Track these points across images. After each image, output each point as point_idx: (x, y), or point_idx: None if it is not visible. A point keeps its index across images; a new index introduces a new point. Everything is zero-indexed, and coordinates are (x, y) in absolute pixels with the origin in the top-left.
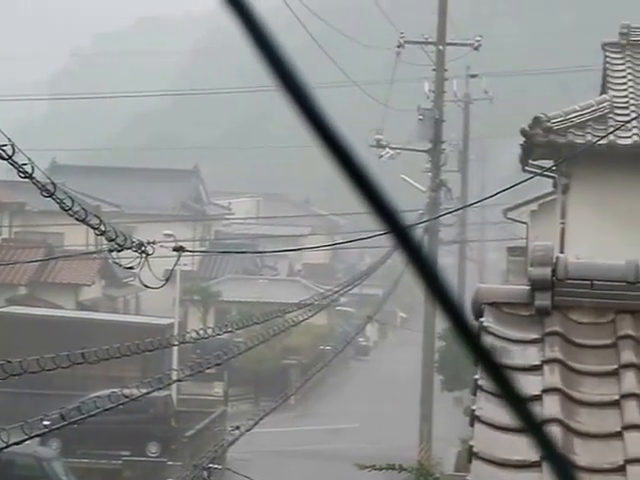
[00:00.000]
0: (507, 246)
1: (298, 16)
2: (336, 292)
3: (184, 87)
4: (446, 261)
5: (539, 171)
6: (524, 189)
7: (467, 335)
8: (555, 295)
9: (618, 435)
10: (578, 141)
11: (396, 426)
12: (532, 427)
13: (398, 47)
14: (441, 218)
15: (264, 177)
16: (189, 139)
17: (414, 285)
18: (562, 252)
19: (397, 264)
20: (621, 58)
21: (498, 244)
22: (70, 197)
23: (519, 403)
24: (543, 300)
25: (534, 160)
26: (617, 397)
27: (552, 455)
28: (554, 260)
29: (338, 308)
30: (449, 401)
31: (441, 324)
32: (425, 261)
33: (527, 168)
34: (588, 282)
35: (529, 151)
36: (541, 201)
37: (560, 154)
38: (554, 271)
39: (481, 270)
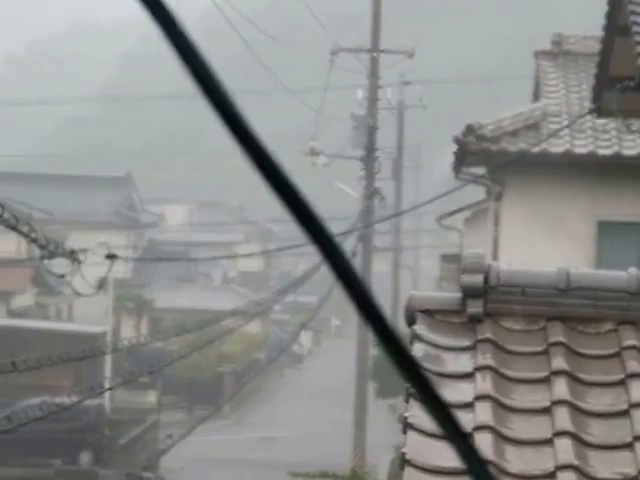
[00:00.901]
0: (441, 253)
1: (232, 23)
2: (270, 300)
3: (116, 93)
4: (380, 268)
5: (472, 179)
6: (459, 196)
7: (391, 343)
8: (487, 302)
9: (549, 442)
10: (511, 149)
11: (330, 434)
12: (456, 437)
13: (332, 54)
14: (375, 225)
15: (198, 184)
16: (122, 145)
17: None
18: (495, 259)
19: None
20: (553, 66)
21: (432, 251)
22: (0, 204)
23: (442, 412)
24: (475, 308)
25: (467, 167)
26: (548, 404)
27: (475, 466)
28: (486, 268)
29: (272, 316)
30: (383, 408)
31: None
32: (350, 271)
33: (460, 176)
34: (520, 289)
35: (462, 159)
36: (475, 209)
37: (493, 162)
38: (486, 279)
39: (415, 277)
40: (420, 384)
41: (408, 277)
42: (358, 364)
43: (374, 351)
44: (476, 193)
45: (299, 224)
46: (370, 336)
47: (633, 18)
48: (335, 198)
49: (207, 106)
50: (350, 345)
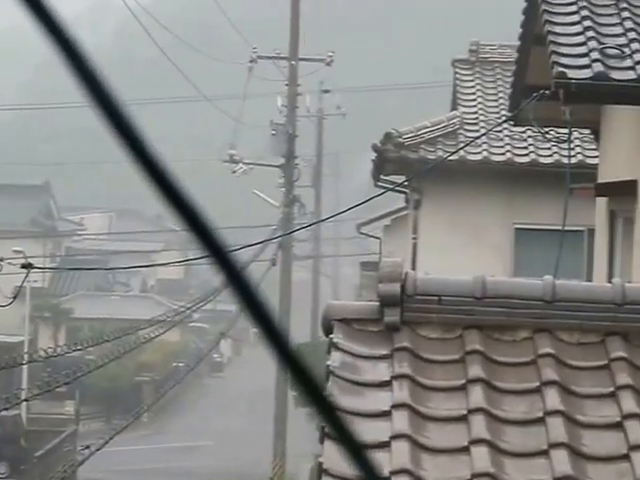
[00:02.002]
0: (361, 261)
1: (148, 29)
2: (189, 308)
3: (32, 99)
4: (300, 277)
5: (391, 186)
6: (380, 204)
7: (284, 356)
8: (404, 311)
9: (465, 450)
10: (429, 157)
11: (250, 443)
12: (353, 450)
13: (251, 62)
14: (295, 233)
15: (116, 192)
16: (39, 153)
17: (268, 300)
18: (414, 267)
19: (252, 279)
20: (470, 75)
21: (352, 259)
22: None
23: (340, 426)
24: (392, 316)
25: (386, 175)
26: (464, 412)
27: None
28: (403, 276)
29: (192, 324)
30: (303, 417)
31: (295, 340)
32: (252, 292)
33: (379, 183)
34: (436, 298)
35: (381, 166)
36: (394, 216)
37: (412, 169)
38: (403, 287)
39: (336, 285)
40: (315, 396)
41: (328, 285)
42: (278, 373)
43: None
44: (395, 201)
45: (192, 235)
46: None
47: (548, 27)
48: (254, 206)
49: (98, 114)
50: (269, 354)
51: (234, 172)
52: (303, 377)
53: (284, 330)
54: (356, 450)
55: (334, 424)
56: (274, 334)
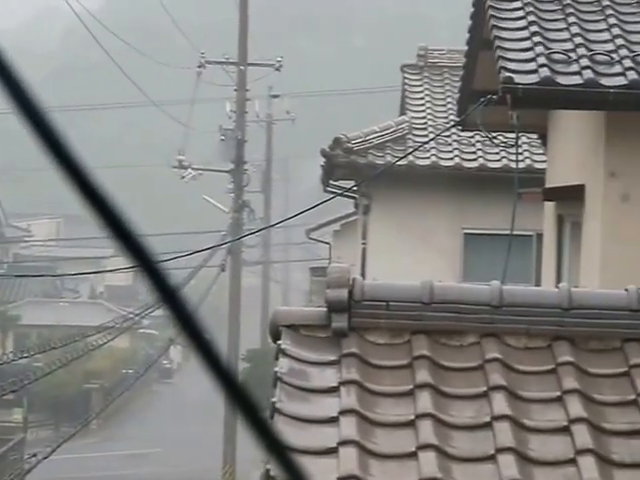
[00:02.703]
0: (310, 267)
1: (97, 34)
2: (138, 314)
3: None
4: (250, 282)
5: (340, 191)
6: (330, 209)
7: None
8: (352, 317)
9: (413, 455)
10: (378, 162)
11: (200, 449)
12: (280, 457)
13: (199, 67)
14: (244, 239)
15: (64, 198)
16: None
17: (218, 306)
18: (364, 272)
19: (200, 285)
20: (419, 80)
21: (302, 265)
22: None
23: (270, 438)
24: (340, 322)
25: (335, 180)
26: (412, 417)
27: None
28: (350, 282)
29: (141, 330)
30: None
31: (245, 346)
32: (183, 308)
33: (328, 189)
34: (384, 303)
35: (330, 171)
36: (344, 221)
37: (361, 174)
38: (350, 293)
39: (285, 291)
40: (242, 404)
41: (278, 291)
42: None
43: (244, 365)
44: (345, 206)
45: (118, 244)
46: (240, 350)
47: (495, 32)
48: (204, 212)
49: (20, 120)
50: None
51: (183, 177)
52: (231, 386)
53: (214, 343)
54: (281, 454)
55: (260, 432)
56: (204, 347)
